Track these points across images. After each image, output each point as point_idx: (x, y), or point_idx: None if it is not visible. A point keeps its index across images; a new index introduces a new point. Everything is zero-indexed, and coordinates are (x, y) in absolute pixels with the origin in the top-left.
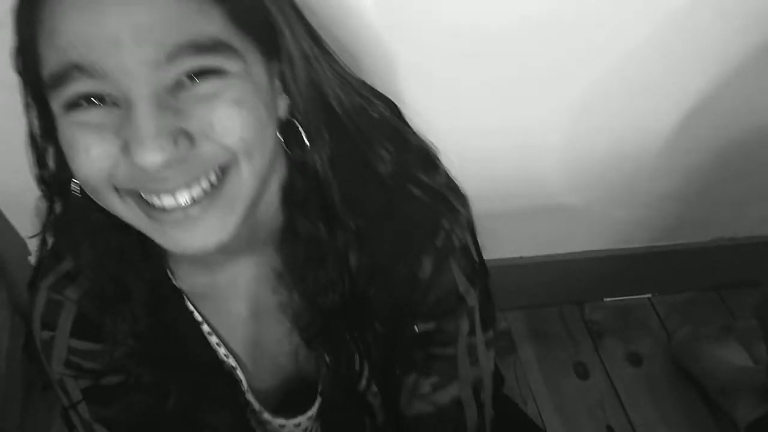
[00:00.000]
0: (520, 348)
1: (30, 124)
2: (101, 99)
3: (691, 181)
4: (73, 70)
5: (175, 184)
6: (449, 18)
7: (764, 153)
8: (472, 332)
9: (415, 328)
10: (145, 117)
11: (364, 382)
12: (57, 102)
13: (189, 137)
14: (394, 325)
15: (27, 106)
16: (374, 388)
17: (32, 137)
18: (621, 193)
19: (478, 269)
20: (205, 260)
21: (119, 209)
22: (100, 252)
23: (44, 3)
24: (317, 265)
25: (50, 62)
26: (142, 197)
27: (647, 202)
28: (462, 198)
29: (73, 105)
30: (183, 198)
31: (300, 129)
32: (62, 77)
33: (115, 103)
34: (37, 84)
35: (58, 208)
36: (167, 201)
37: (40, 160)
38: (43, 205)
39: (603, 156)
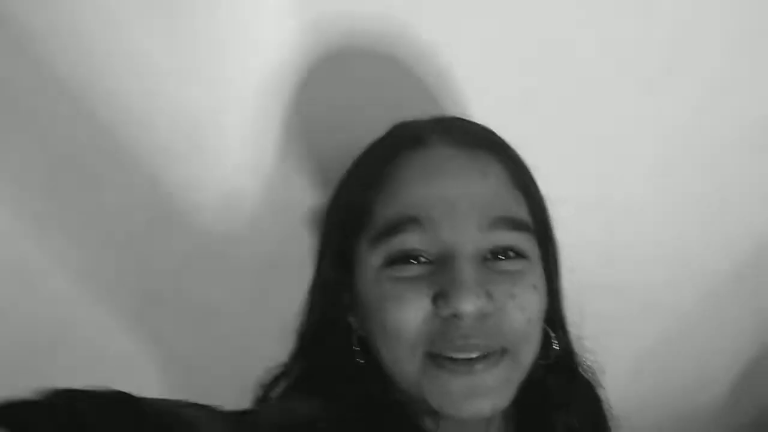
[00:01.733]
0: None
1: (321, 274)
2: (417, 258)
3: None
4: (409, 222)
5: (472, 341)
6: None
7: None
8: None
9: None
10: (467, 268)
11: None
12: (379, 256)
13: (492, 300)
14: None
15: (322, 256)
16: None
17: (322, 284)
18: None
19: None
20: None
21: (406, 364)
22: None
23: (386, 176)
24: None
25: (386, 215)
26: (433, 356)
27: None
28: None
29: (393, 261)
30: (474, 354)
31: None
32: (397, 226)
33: (428, 261)
34: (349, 238)
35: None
36: (459, 354)
37: (328, 304)
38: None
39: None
